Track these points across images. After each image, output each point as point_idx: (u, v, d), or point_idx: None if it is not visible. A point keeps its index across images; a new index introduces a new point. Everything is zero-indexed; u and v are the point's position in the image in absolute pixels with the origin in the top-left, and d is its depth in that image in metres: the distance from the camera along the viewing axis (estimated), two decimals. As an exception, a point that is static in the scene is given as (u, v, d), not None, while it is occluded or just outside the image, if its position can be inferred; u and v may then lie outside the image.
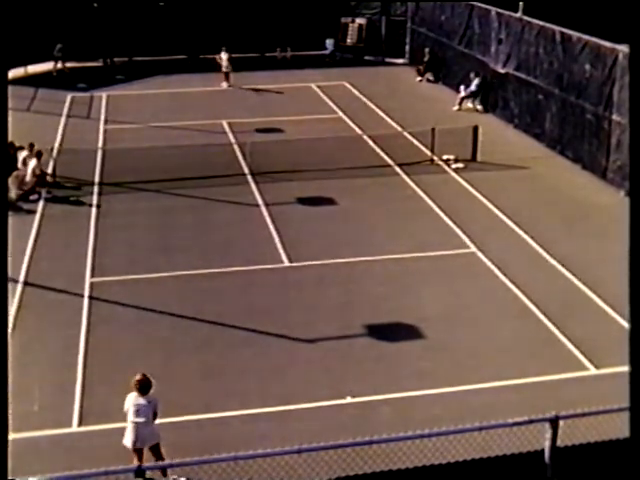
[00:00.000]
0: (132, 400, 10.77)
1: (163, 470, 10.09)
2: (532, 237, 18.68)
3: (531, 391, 12.99)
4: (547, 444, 7.63)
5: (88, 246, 18.43)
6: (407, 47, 37.37)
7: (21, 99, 29.31)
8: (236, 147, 25.10)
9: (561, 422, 7.67)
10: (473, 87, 29.22)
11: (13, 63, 31.94)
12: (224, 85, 32.79)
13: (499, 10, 27.98)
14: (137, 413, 10.71)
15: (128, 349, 14.41)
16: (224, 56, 32.82)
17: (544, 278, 16.87)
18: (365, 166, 23.19)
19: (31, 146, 22.10)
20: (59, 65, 35.06)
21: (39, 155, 21.65)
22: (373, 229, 19.37)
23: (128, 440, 10.76)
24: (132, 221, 19.96)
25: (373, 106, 29.93)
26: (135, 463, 10.43)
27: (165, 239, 18.91)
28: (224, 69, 32.85)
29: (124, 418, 12.26)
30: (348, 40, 38.59)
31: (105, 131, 27.18)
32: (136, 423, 10.69)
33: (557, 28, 24.39)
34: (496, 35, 28.19)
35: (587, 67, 22.71)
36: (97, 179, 22.52)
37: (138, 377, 10.80)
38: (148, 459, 10.73)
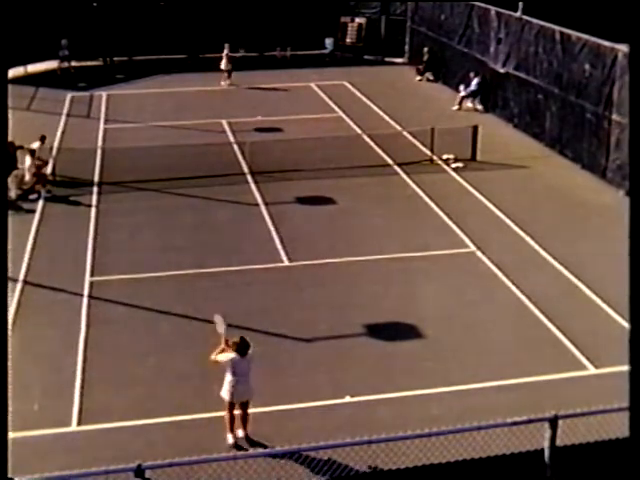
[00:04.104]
0: (230, 359, 11.57)
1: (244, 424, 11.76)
2: (531, 236, 18.69)
3: (531, 391, 12.99)
4: (546, 444, 7.63)
5: (88, 245, 18.43)
6: (407, 46, 37.36)
7: (21, 98, 29.28)
8: (236, 147, 25.10)
9: (560, 422, 7.67)
10: (473, 86, 29.21)
11: (13, 62, 31.91)
12: (223, 83, 32.71)
13: (499, 10, 27.97)
14: (235, 371, 11.56)
15: (128, 348, 14.41)
16: (225, 53, 32.76)
17: (543, 277, 16.87)
18: (365, 165, 23.19)
19: (42, 138, 22.27)
20: (65, 64, 35.01)
21: (32, 153, 21.60)
22: (373, 229, 19.37)
23: (226, 394, 11.68)
24: (132, 220, 19.96)
25: (373, 105, 29.93)
26: (226, 416, 11.73)
27: (165, 238, 18.90)
28: (223, 67, 32.79)
29: (124, 417, 12.32)
30: (348, 39, 38.58)
31: (105, 130, 27.17)
32: (236, 380, 11.58)
33: (557, 28, 24.38)
34: (496, 35, 28.18)
35: (587, 66, 22.70)
36: (97, 178, 22.51)
37: (236, 339, 11.62)
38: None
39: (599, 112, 22.22)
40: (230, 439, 11.73)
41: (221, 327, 11.96)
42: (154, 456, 9.29)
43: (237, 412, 11.87)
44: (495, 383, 13.23)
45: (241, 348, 11.58)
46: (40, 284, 16.66)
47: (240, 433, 11.84)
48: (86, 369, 13.68)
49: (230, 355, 11.62)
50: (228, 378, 11.67)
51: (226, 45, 32.92)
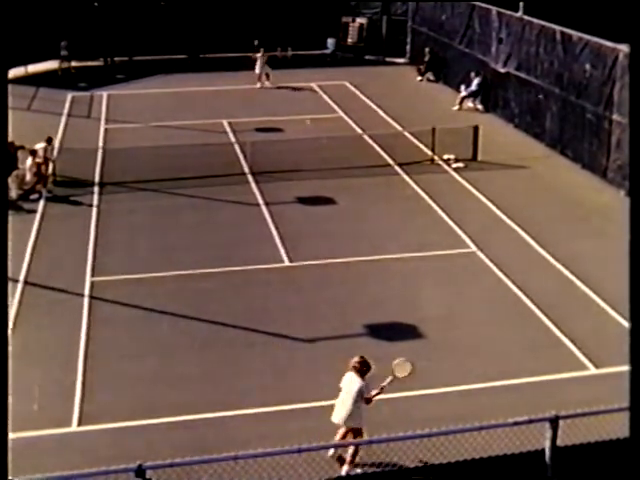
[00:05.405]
0: (348, 380, 11.07)
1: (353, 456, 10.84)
2: (532, 236, 18.68)
3: (531, 391, 12.98)
4: (547, 444, 7.62)
5: (88, 245, 18.44)
6: (408, 47, 37.36)
7: (21, 98, 29.28)
8: (236, 147, 25.10)
9: (561, 422, 7.66)
10: (474, 87, 29.20)
11: (13, 62, 31.90)
12: (267, 84, 32.75)
13: (500, 10, 27.96)
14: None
15: (128, 349, 14.41)
16: (258, 55, 32.85)
17: (544, 277, 16.87)
18: (365, 166, 23.18)
19: (49, 140, 22.33)
20: (65, 64, 35.01)
21: (33, 153, 21.59)
22: (373, 229, 19.37)
23: (337, 417, 11.10)
24: (132, 221, 19.97)
25: (373, 106, 29.92)
26: (338, 439, 10.94)
27: (165, 239, 18.91)
28: (258, 70, 32.84)
29: (125, 417, 12.32)
30: (349, 39, 38.58)
31: (105, 130, 27.17)
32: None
33: (557, 28, 24.38)
34: (497, 35, 28.17)
35: (587, 67, 22.69)
36: (97, 178, 22.52)
37: (358, 359, 11.09)
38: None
39: (600, 112, 22.21)
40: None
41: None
42: (155, 456, 9.28)
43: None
44: (495, 383, 13.22)
45: (362, 369, 11.04)
46: (41, 284, 16.66)
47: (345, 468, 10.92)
48: (87, 369, 13.68)
49: (349, 374, 11.08)
50: (362, 404, 11.00)
51: (261, 49, 32.96)
